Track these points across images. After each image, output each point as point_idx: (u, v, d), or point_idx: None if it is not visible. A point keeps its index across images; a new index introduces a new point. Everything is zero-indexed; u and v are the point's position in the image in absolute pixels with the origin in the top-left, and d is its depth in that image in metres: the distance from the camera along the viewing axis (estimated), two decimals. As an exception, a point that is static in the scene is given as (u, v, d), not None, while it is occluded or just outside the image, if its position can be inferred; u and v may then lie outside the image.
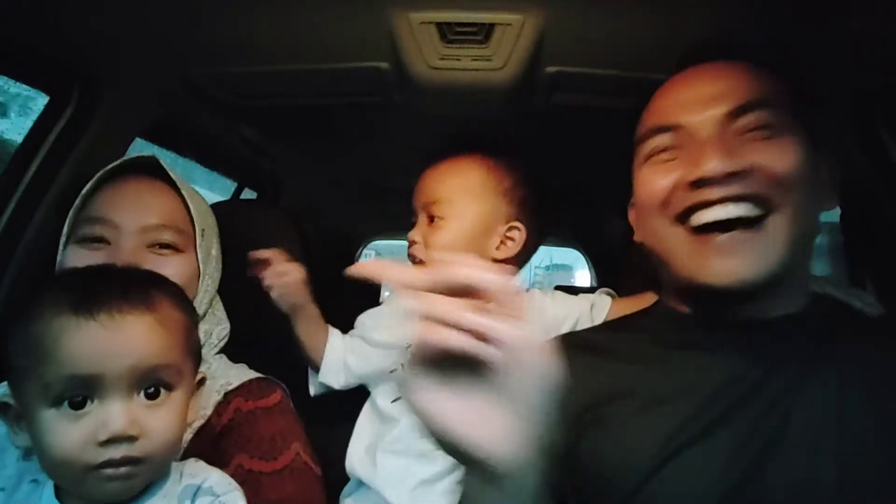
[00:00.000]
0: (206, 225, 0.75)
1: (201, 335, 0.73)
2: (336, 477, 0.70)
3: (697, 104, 0.56)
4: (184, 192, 0.71)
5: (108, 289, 0.51)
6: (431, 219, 0.81)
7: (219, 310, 0.79)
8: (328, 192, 1.77)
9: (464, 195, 0.84)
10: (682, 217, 0.54)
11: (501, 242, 0.86)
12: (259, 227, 0.92)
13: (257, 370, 0.74)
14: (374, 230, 2.54)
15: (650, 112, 0.61)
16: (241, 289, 0.81)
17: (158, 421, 0.49)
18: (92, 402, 0.47)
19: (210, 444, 0.63)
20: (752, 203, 0.51)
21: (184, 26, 0.77)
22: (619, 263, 1.25)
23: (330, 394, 0.92)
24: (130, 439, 0.47)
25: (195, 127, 1.17)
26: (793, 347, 0.52)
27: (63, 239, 0.69)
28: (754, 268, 0.51)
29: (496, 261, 0.83)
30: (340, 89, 0.96)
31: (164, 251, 0.69)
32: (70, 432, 0.46)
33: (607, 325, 0.68)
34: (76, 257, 0.67)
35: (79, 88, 0.88)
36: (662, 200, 0.56)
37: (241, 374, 0.71)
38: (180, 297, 0.57)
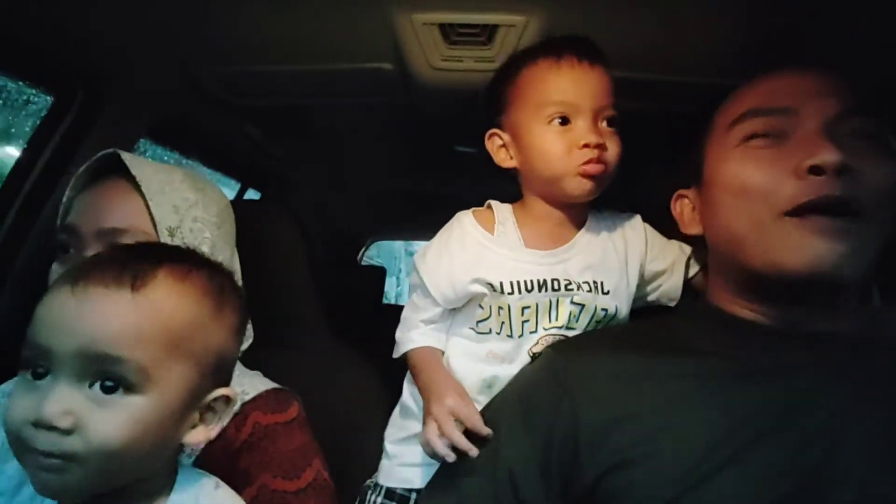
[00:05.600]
0: (185, 219, 0.66)
1: None
2: (348, 489, 0.69)
3: (814, 93, 0.54)
4: (144, 189, 0.63)
5: (113, 259, 0.44)
6: (610, 122, 0.71)
7: None
8: (331, 192, 1.77)
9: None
10: (796, 211, 0.51)
11: None
12: (262, 227, 0.92)
13: (266, 375, 0.71)
14: (377, 230, 2.54)
15: (750, 94, 0.58)
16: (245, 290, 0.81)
17: (103, 422, 0.41)
18: (48, 377, 0.42)
19: (228, 460, 0.61)
20: (852, 206, 0.50)
21: (189, 26, 0.78)
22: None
23: (335, 404, 0.90)
24: (62, 431, 0.40)
25: (199, 127, 1.17)
26: (849, 364, 0.51)
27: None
28: (850, 258, 0.49)
29: None
30: (344, 90, 0.96)
31: None
32: (20, 402, 0.42)
33: (653, 324, 0.64)
34: (54, 268, 0.64)
35: (83, 89, 0.88)
36: (765, 189, 0.53)
37: (255, 383, 0.68)
38: (212, 291, 0.48)
